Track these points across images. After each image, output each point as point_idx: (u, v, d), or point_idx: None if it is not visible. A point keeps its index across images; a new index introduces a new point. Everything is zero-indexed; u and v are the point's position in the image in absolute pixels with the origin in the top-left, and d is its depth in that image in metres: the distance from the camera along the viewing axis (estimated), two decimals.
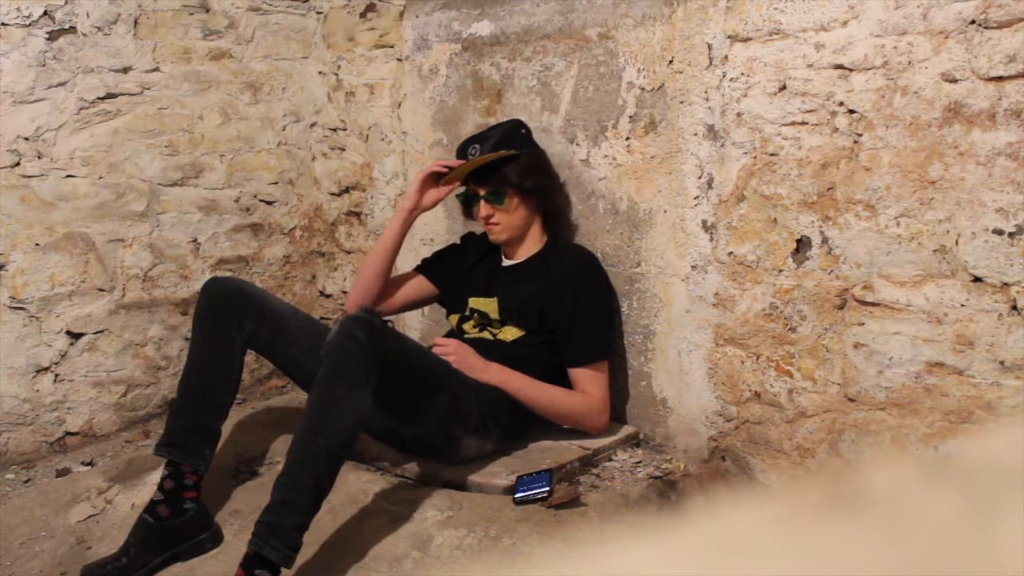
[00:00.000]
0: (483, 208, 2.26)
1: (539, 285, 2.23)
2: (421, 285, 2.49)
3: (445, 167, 2.32)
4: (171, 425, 2.08)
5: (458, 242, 2.56)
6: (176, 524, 1.96)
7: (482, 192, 2.25)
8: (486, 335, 2.29)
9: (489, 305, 2.28)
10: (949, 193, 1.72)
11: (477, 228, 2.47)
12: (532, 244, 2.34)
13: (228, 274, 2.86)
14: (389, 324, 2.07)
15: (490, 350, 2.22)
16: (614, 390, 2.41)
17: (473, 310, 2.31)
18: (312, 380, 2.24)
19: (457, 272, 2.44)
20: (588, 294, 2.22)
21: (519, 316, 2.24)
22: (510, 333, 2.26)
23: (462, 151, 2.32)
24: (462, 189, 2.36)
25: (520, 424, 2.22)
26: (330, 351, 1.86)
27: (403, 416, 2.08)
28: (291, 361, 2.23)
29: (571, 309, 2.19)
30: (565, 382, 2.24)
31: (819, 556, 0.27)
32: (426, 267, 2.52)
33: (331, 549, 1.91)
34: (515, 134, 2.32)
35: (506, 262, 2.37)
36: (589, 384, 2.21)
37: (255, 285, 2.34)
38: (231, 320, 2.11)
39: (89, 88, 2.61)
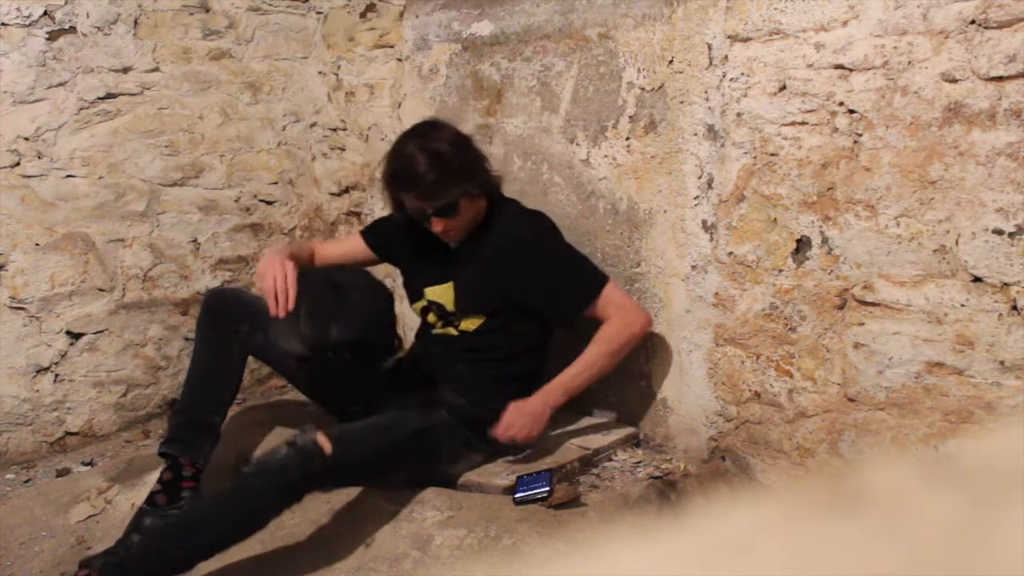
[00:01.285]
0: (436, 224, 2.14)
1: (491, 265, 2.18)
2: (361, 252, 2.44)
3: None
4: (171, 424, 2.15)
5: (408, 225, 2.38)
6: (171, 512, 1.97)
7: (430, 211, 2.13)
8: (450, 331, 2.26)
9: (445, 295, 2.23)
10: (949, 193, 1.72)
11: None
12: (478, 221, 2.24)
13: (228, 280, 2.88)
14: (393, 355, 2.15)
15: (451, 345, 2.23)
16: (615, 390, 2.41)
17: (431, 302, 2.27)
18: (306, 382, 2.17)
19: (399, 246, 2.36)
20: (549, 256, 2.18)
21: (475, 305, 2.21)
22: (470, 323, 2.22)
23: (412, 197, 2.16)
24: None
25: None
26: (265, 470, 1.87)
27: (384, 481, 2.09)
28: (286, 364, 2.27)
29: (542, 277, 2.16)
30: (535, 352, 2.24)
31: (819, 556, 0.27)
32: (367, 235, 2.46)
33: (331, 549, 1.91)
34: (447, 151, 2.14)
35: (454, 244, 2.29)
36: (608, 309, 2.16)
37: (252, 293, 2.36)
38: (228, 324, 2.17)
39: (89, 88, 2.61)
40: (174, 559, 1.80)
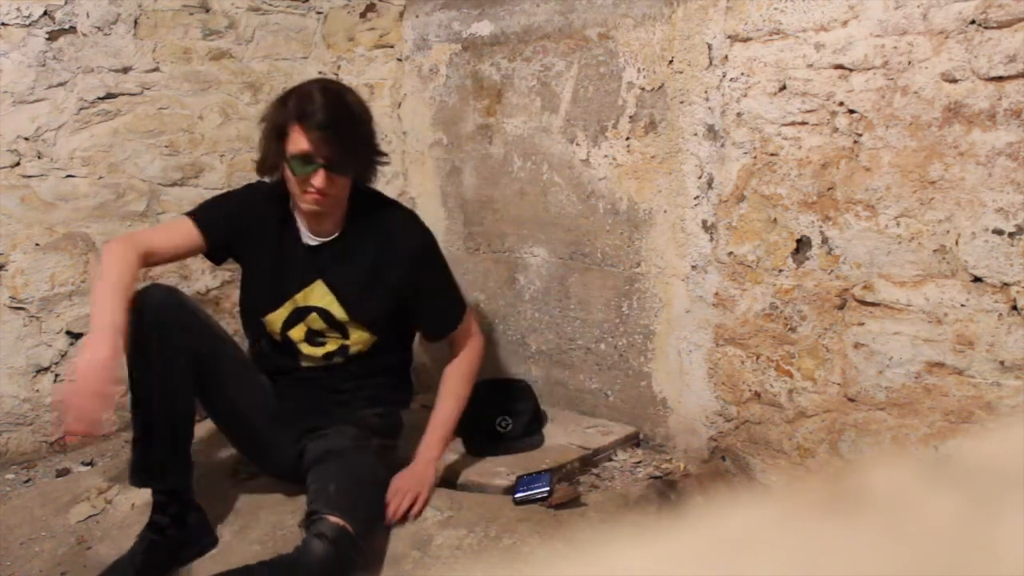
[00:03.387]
0: (322, 179, 1.89)
1: (380, 267, 2.00)
2: (192, 242, 2.03)
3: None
4: (143, 450, 1.89)
5: (240, 197, 2.14)
6: (182, 536, 1.92)
7: (327, 159, 1.89)
8: (330, 346, 2.04)
9: (325, 298, 2.01)
10: (949, 193, 1.72)
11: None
12: (340, 216, 2.03)
13: (228, 280, 2.86)
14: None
15: (332, 381, 2.06)
16: (615, 390, 2.41)
17: (306, 308, 2.02)
18: (233, 414, 2.02)
19: (243, 235, 2.06)
20: (440, 268, 2.12)
21: (369, 314, 2.02)
22: (359, 339, 2.04)
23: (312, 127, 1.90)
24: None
25: None
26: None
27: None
28: (216, 387, 1.97)
29: (431, 289, 2.08)
30: (404, 367, 2.20)
31: (819, 556, 0.27)
32: (200, 220, 2.05)
33: None
34: (355, 104, 1.98)
35: (311, 240, 2.03)
36: (465, 334, 2.14)
37: (190, 298, 2.09)
38: (175, 331, 1.87)
39: (89, 88, 2.61)
40: None
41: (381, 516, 1.93)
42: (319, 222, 2.02)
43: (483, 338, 2.20)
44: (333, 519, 1.74)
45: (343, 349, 2.07)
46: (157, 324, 1.83)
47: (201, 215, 2.06)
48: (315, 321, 2.04)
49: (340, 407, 2.07)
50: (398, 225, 2.05)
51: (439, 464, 2.08)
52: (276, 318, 2.05)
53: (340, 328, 2.05)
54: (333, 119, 1.88)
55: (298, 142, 1.89)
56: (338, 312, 2.02)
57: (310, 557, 1.70)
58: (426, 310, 2.10)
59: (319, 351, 2.07)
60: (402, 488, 1.98)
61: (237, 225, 2.06)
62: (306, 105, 1.89)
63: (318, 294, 2.02)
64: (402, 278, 2.02)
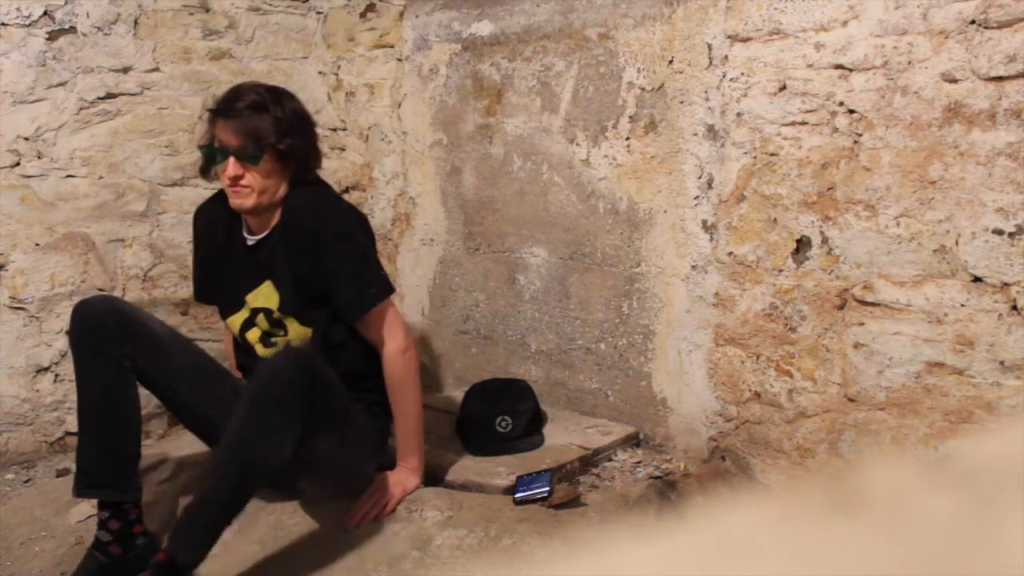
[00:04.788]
0: (231, 167, 1.90)
1: (296, 255, 1.98)
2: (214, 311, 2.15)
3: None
4: (89, 462, 1.88)
5: (193, 235, 2.22)
6: (130, 558, 1.86)
7: (234, 146, 1.90)
8: (279, 346, 2.03)
9: (270, 298, 2.01)
10: (949, 193, 1.72)
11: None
12: (275, 213, 2.00)
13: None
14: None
15: None
16: (615, 390, 2.41)
17: (255, 310, 2.03)
18: (199, 419, 1.99)
19: (211, 270, 2.13)
20: (340, 248, 1.98)
21: (300, 306, 2.00)
22: (296, 334, 2.02)
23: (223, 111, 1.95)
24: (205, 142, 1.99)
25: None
26: (273, 371, 1.73)
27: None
28: (173, 394, 1.99)
29: (334, 268, 1.97)
30: (370, 370, 2.06)
31: (819, 556, 0.27)
32: (200, 297, 2.23)
33: (331, 549, 1.91)
34: (280, 97, 2.00)
35: (250, 238, 2.04)
36: (382, 332, 2.01)
37: (131, 304, 2.09)
38: (113, 343, 1.86)
39: (89, 88, 2.61)
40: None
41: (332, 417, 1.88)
42: (257, 219, 2.00)
43: (411, 341, 2.05)
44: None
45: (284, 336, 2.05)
46: (89, 337, 1.86)
47: (196, 291, 2.23)
48: (263, 322, 2.04)
49: None
50: (308, 212, 1.98)
51: (417, 476, 2.05)
52: (235, 322, 2.08)
53: (281, 325, 2.03)
54: (238, 107, 1.90)
55: (209, 133, 1.95)
56: (276, 310, 2.01)
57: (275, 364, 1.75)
58: (335, 292, 1.98)
59: (271, 351, 2.04)
60: (379, 491, 1.99)
61: (202, 259, 2.15)
62: (227, 99, 1.95)
63: (264, 295, 2.02)
64: (314, 264, 1.96)
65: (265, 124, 1.91)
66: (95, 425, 1.88)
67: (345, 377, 1.96)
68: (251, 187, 1.92)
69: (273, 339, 2.04)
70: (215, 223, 2.08)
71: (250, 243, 2.02)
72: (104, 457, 1.87)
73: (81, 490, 1.88)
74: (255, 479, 1.75)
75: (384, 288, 2.02)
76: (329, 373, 1.86)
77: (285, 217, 1.98)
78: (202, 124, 2.84)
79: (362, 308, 2.00)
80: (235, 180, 1.91)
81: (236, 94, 1.95)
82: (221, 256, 2.09)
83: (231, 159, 1.90)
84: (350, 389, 1.97)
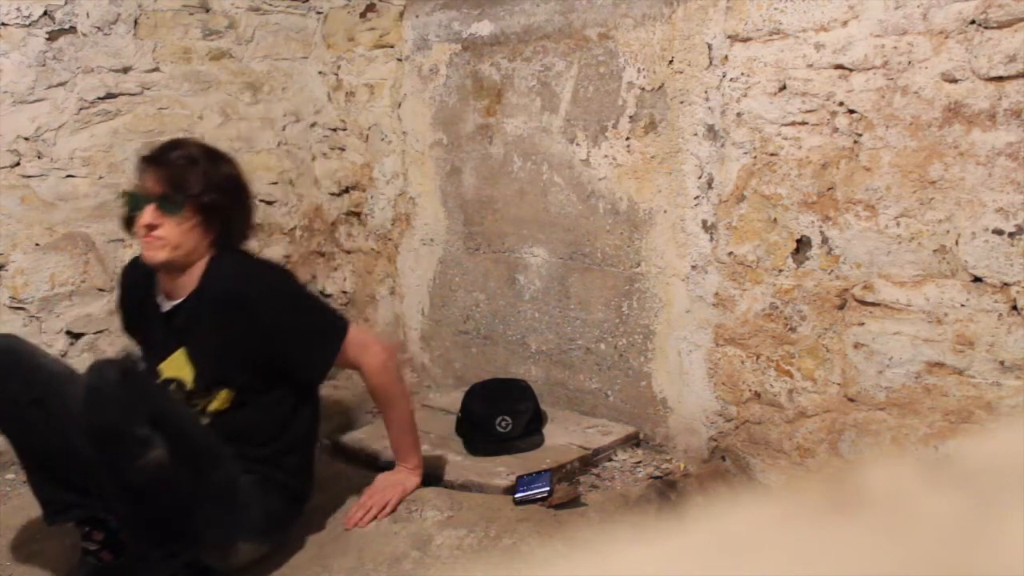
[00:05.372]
0: (148, 214, 1.78)
1: (215, 328, 1.83)
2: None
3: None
4: (44, 494, 1.84)
5: (118, 288, 2.12)
6: (121, 562, 1.86)
7: (156, 194, 1.79)
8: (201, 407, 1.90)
9: (182, 370, 1.87)
10: (949, 193, 1.72)
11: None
12: (193, 278, 1.86)
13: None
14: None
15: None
16: (615, 390, 2.41)
17: (168, 380, 1.89)
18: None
19: (133, 318, 2.04)
20: (278, 312, 1.85)
21: (215, 380, 1.86)
22: (218, 400, 1.87)
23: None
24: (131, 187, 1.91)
25: (293, 515, 1.98)
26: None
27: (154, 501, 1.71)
28: (61, 439, 1.79)
29: (278, 336, 1.85)
30: (301, 411, 1.94)
31: (819, 556, 0.27)
32: (128, 333, 2.11)
33: (331, 549, 1.91)
34: (216, 155, 1.91)
35: (166, 304, 1.89)
36: (359, 354, 1.92)
37: (28, 346, 1.93)
38: (9, 381, 1.78)
39: (89, 88, 2.61)
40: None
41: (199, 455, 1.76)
42: (171, 283, 1.87)
43: (385, 347, 1.98)
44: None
45: (203, 409, 1.89)
46: None
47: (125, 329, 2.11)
48: (177, 392, 1.88)
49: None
50: (232, 278, 1.85)
51: (416, 477, 2.03)
52: None
53: (198, 396, 1.88)
54: (170, 156, 1.83)
55: (133, 180, 1.87)
56: (190, 383, 1.86)
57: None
58: (289, 356, 1.87)
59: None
60: (379, 492, 1.98)
61: (125, 319, 2.07)
62: (154, 148, 1.88)
63: (177, 364, 1.88)
64: (248, 332, 1.82)
65: (192, 176, 1.81)
66: (31, 461, 1.82)
67: (239, 439, 1.84)
68: (165, 239, 1.79)
69: (193, 403, 1.88)
70: (136, 283, 1.97)
71: (165, 309, 1.89)
72: (56, 484, 1.82)
73: (52, 518, 1.85)
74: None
75: (338, 327, 1.91)
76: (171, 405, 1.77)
77: (205, 283, 1.84)
78: (200, 124, 2.85)
79: (327, 362, 1.91)
80: (149, 229, 1.79)
81: (172, 145, 1.89)
82: (138, 319, 2.00)
83: (150, 207, 1.79)
84: (242, 456, 1.84)
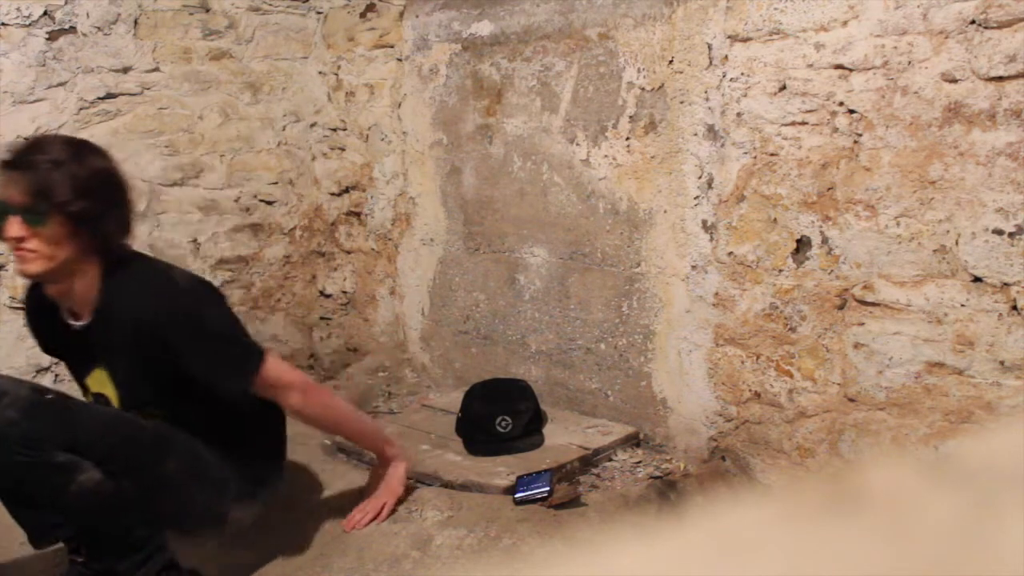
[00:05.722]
0: (10, 226, 1.63)
1: (132, 349, 1.72)
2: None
3: None
4: (26, 521, 1.76)
5: (26, 310, 1.99)
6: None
7: (17, 204, 1.63)
8: None
9: (105, 386, 1.80)
10: (949, 193, 1.72)
11: None
12: (91, 291, 1.73)
13: (228, 280, 2.83)
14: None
15: None
16: (615, 390, 2.41)
17: (96, 395, 1.83)
18: None
19: (45, 331, 1.92)
20: (189, 338, 1.72)
21: (141, 399, 1.78)
22: (153, 417, 1.79)
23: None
24: None
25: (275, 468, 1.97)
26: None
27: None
28: None
29: (191, 359, 1.72)
30: (241, 426, 1.86)
31: (819, 556, 0.27)
32: (48, 352, 2.03)
33: (331, 549, 1.91)
34: (83, 155, 1.72)
35: (75, 323, 1.78)
36: (273, 391, 1.81)
37: None
38: None
39: (89, 88, 2.61)
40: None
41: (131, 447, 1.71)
42: (70, 298, 1.75)
43: (304, 380, 1.86)
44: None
45: None
46: None
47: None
48: (112, 405, 1.82)
49: None
50: (136, 306, 1.71)
51: (403, 462, 2.04)
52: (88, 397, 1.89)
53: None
54: (30, 160, 1.65)
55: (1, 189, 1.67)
56: (114, 400, 1.80)
57: None
58: (205, 377, 1.75)
59: None
60: (373, 493, 2.00)
61: (40, 337, 1.96)
62: (14, 149, 1.71)
63: (99, 381, 1.81)
64: (162, 358, 1.71)
65: (58, 182, 1.62)
66: (4, 494, 1.72)
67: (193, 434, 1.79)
68: (36, 252, 1.64)
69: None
70: (42, 303, 1.84)
71: (76, 328, 1.77)
72: (33, 508, 1.73)
73: (37, 541, 1.79)
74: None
75: (251, 358, 1.78)
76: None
77: (108, 302, 1.72)
78: (200, 124, 2.85)
79: (243, 391, 1.78)
80: (18, 242, 1.63)
81: (34, 146, 1.72)
82: (52, 338, 1.89)
83: (14, 219, 1.63)
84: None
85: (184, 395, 1.76)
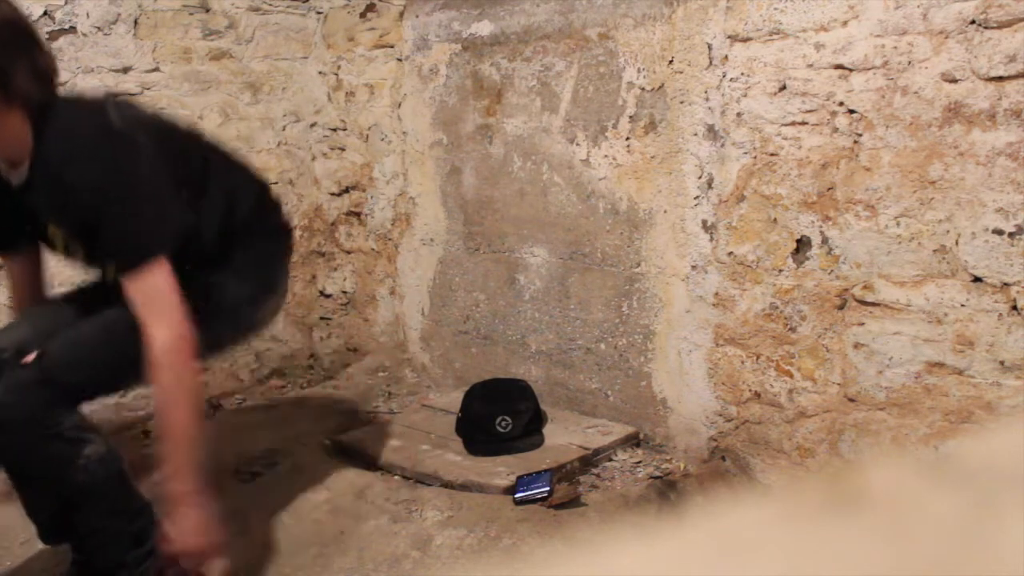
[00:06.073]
0: None
1: (70, 219, 1.63)
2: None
3: None
4: (40, 515, 1.77)
5: None
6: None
7: None
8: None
9: (64, 239, 1.69)
10: (949, 193, 1.72)
11: None
12: (25, 143, 1.59)
13: None
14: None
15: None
16: (615, 390, 2.41)
17: (65, 247, 1.73)
18: None
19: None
20: (95, 197, 1.56)
21: (96, 257, 1.69)
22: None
23: None
24: None
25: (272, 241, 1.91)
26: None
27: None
28: None
29: (97, 222, 1.57)
30: (211, 207, 1.75)
31: (819, 556, 0.27)
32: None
33: (331, 549, 1.91)
34: None
35: (14, 183, 1.66)
36: (139, 305, 1.57)
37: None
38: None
39: (89, 88, 2.61)
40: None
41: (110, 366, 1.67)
42: (3, 160, 1.64)
43: (185, 329, 1.58)
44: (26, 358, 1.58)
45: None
46: None
47: None
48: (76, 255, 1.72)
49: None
50: (57, 163, 1.58)
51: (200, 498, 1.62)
52: (56, 252, 1.77)
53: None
54: None
55: None
56: (82, 257, 1.72)
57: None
58: (101, 239, 1.60)
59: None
60: (181, 554, 1.63)
61: None
62: None
63: (58, 235, 1.70)
64: (85, 219, 1.59)
65: None
66: (23, 479, 1.71)
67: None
68: None
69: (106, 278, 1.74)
70: None
71: (15, 184, 1.65)
72: (46, 506, 1.74)
73: (48, 540, 1.81)
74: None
75: (150, 243, 1.58)
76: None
77: (38, 166, 1.59)
78: (200, 124, 2.85)
79: (126, 258, 1.58)
80: None
81: None
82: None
83: None
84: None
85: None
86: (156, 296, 1.56)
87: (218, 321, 1.77)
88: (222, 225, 1.80)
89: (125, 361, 1.63)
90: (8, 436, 1.57)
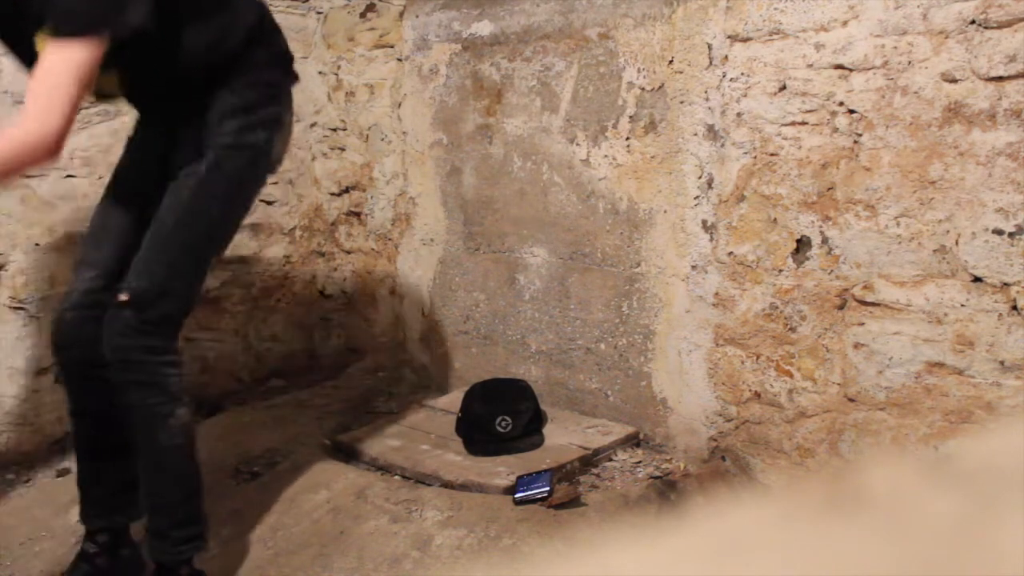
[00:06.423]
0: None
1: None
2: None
3: None
4: (93, 490, 1.88)
5: None
6: (114, 570, 1.88)
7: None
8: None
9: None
10: (949, 193, 1.72)
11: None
12: None
13: (228, 280, 2.84)
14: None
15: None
16: (615, 390, 2.41)
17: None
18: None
19: None
20: None
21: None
22: (110, 83, 1.74)
23: None
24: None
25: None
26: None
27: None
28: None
29: None
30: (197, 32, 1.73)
31: (819, 556, 0.27)
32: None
33: (331, 549, 1.91)
34: None
35: None
36: (31, 81, 1.49)
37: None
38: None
39: None
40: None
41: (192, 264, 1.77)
42: None
43: (59, 132, 1.52)
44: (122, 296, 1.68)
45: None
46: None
47: None
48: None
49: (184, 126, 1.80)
50: None
51: None
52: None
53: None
54: None
55: None
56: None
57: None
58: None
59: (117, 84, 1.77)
60: None
61: None
62: None
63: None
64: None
65: None
66: (91, 451, 1.85)
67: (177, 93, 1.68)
68: None
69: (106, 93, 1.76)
70: None
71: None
72: (108, 483, 1.86)
73: (92, 518, 1.87)
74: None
75: (83, 12, 1.45)
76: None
77: None
78: None
79: (50, 28, 1.45)
80: None
81: None
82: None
83: None
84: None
85: (139, 51, 1.58)
86: (52, 81, 1.43)
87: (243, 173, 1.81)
88: (249, 32, 1.84)
89: (204, 266, 1.79)
90: (129, 374, 1.68)
